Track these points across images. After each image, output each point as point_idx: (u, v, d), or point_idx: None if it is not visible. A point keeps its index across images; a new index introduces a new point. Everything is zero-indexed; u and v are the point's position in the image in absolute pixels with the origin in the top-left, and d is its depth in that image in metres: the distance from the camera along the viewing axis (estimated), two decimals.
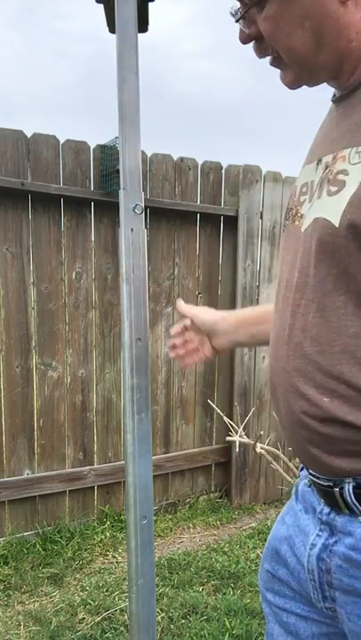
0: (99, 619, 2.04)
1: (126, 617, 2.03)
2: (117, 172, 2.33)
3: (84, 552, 2.52)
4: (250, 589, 2.25)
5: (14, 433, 2.51)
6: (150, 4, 0.77)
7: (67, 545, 2.55)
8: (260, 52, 0.75)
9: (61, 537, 2.59)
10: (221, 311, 1.04)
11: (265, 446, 2.85)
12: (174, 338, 1.06)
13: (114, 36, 0.75)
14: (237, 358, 3.05)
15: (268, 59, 0.76)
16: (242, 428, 2.88)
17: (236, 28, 0.76)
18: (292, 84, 0.75)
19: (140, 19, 0.75)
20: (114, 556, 2.53)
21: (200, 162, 2.87)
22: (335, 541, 0.73)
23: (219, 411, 3.01)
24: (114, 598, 2.17)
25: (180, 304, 1.03)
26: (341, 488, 0.71)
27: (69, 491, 2.68)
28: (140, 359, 0.78)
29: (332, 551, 0.73)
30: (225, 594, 2.21)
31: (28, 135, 2.39)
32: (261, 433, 3.03)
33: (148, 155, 2.70)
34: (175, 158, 2.78)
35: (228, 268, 3.03)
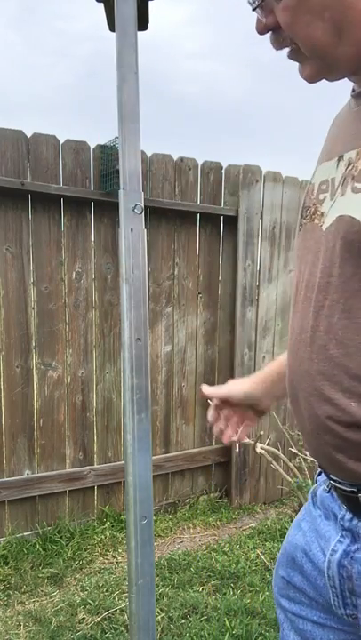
0: (99, 619, 2.04)
1: (126, 617, 2.03)
2: (117, 171, 2.33)
3: (84, 552, 2.52)
4: (250, 589, 2.25)
5: (14, 433, 2.51)
6: (150, 2, 0.77)
7: (67, 545, 2.55)
8: (278, 44, 0.72)
9: (61, 537, 2.59)
10: (246, 378, 1.02)
11: (265, 446, 2.85)
12: (216, 423, 1.03)
13: (114, 35, 0.74)
14: (237, 358, 3.05)
15: (285, 51, 0.73)
16: (242, 427, 2.88)
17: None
18: (311, 77, 0.72)
19: (141, 17, 0.75)
20: (114, 556, 2.53)
21: (200, 162, 2.87)
22: (358, 548, 0.71)
23: None
24: (114, 598, 2.17)
25: (206, 389, 1.01)
26: None
27: (69, 491, 2.68)
28: (140, 359, 0.78)
29: (354, 558, 0.71)
30: (225, 594, 2.21)
31: (28, 135, 2.39)
32: (261, 433, 3.03)
33: (148, 155, 2.70)
34: (175, 158, 2.78)
35: (228, 268, 3.03)
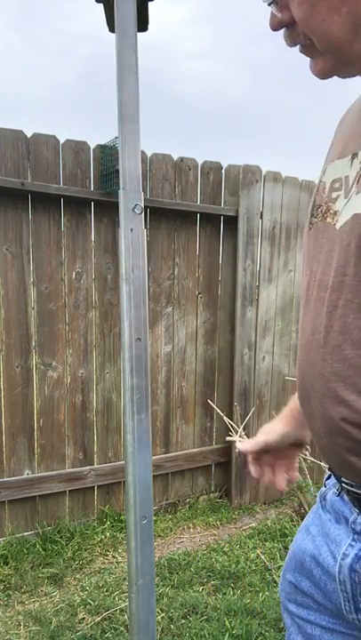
0: (99, 619, 2.04)
1: (126, 617, 2.03)
2: (117, 171, 2.33)
3: (84, 552, 2.52)
4: (250, 589, 2.25)
5: (14, 433, 2.51)
6: (150, 3, 0.77)
7: (67, 545, 2.55)
8: (291, 40, 0.71)
9: (61, 537, 2.59)
10: (275, 420, 1.00)
11: None
12: (263, 475, 1.00)
13: (114, 35, 0.75)
14: (237, 358, 3.05)
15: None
16: (242, 428, 2.88)
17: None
18: (324, 73, 0.70)
19: (140, 18, 0.75)
20: (114, 556, 2.53)
21: (200, 162, 2.87)
22: None
23: (219, 411, 3.01)
24: (114, 598, 2.17)
25: (242, 446, 0.98)
26: None
27: (69, 491, 2.68)
28: (140, 359, 0.78)
29: None
30: (225, 594, 2.21)
31: (28, 135, 2.39)
32: None
33: (148, 155, 2.70)
34: (175, 158, 2.78)
35: (228, 267, 3.03)
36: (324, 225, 0.72)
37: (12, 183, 2.32)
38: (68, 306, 2.58)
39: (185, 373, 2.98)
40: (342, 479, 0.74)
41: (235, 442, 2.77)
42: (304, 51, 0.71)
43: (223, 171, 2.94)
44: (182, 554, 2.54)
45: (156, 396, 2.88)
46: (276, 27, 0.70)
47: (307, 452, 2.95)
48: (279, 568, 2.43)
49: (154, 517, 2.61)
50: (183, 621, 2.03)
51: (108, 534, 2.66)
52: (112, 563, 2.48)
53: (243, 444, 0.98)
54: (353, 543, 0.72)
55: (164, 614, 2.07)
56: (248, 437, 3.07)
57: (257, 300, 3.07)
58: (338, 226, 0.69)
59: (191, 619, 2.04)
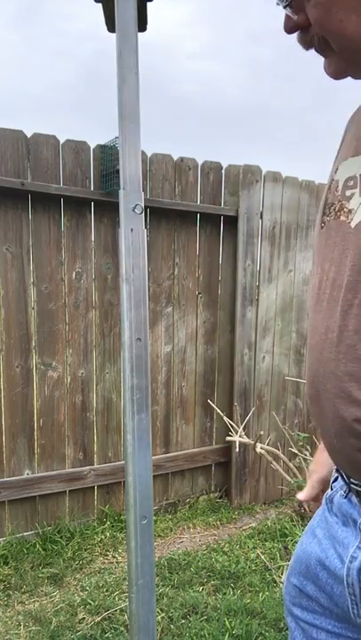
0: (99, 619, 2.04)
1: (126, 617, 2.03)
2: (117, 171, 2.33)
3: (84, 552, 2.52)
4: (250, 589, 2.25)
5: (14, 433, 2.51)
6: (149, 3, 0.77)
7: (67, 545, 2.55)
8: (305, 43, 0.71)
9: (61, 537, 2.59)
10: (321, 451, 0.97)
11: (265, 446, 2.85)
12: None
13: (114, 35, 0.75)
14: (237, 358, 3.05)
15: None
16: (242, 428, 2.88)
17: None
18: (338, 74, 0.70)
19: (139, 18, 0.75)
20: (114, 556, 2.53)
21: (200, 162, 2.87)
22: None
23: (219, 411, 3.01)
24: (114, 598, 2.17)
25: (303, 495, 0.96)
26: None
27: (69, 491, 2.68)
28: (140, 359, 0.78)
29: None
30: (225, 594, 2.21)
31: (28, 135, 2.39)
32: (261, 433, 3.03)
33: (148, 155, 2.70)
34: (175, 158, 2.78)
35: (228, 267, 3.03)
36: (338, 223, 0.71)
37: (11, 183, 2.32)
38: (68, 306, 2.58)
39: (185, 373, 2.98)
40: (351, 480, 0.74)
41: (235, 442, 2.78)
42: (319, 50, 0.70)
43: (223, 171, 2.94)
44: (182, 554, 2.54)
45: (156, 396, 2.89)
46: (291, 29, 0.70)
47: (307, 453, 2.95)
48: (279, 568, 2.43)
49: (154, 517, 2.62)
50: (183, 621, 2.03)
51: (108, 534, 2.66)
52: (112, 563, 2.48)
53: (303, 494, 0.96)
54: None
55: (164, 614, 2.07)
56: (248, 437, 3.07)
57: (257, 300, 3.07)
58: (353, 224, 0.68)
59: (191, 619, 2.04)
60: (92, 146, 2.54)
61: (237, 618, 2.03)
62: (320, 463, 0.95)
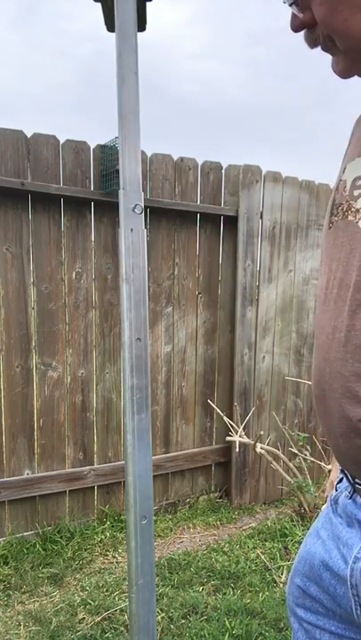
0: (99, 619, 2.04)
1: (126, 617, 2.03)
2: (117, 171, 2.33)
3: (84, 552, 2.52)
4: (250, 589, 2.25)
5: (14, 433, 2.51)
6: (148, 3, 0.77)
7: (67, 545, 2.55)
8: (311, 42, 0.70)
9: (61, 537, 2.59)
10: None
11: (265, 446, 2.85)
12: None
13: (114, 35, 0.75)
14: (237, 358, 3.05)
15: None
16: (242, 428, 2.88)
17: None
18: (345, 72, 0.70)
19: (139, 18, 0.75)
20: (114, 556, 2.53)
21: (200, 162, 2.87)
22: None
23: (219, 411, 3.01)
24: (114, 598, 2.17)
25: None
26: None
27: (69, 491, 2.68)
28: (140, 359, 0.78)
29: None
30: (225, 594, 2.21)
31: (28, 135, 2.39)
32: (261, 433, 3.03)
33: (148, 155, 2.70)
34: (175, 158, 2.78)
35: (228, 267, 3.03)
36: (345, 223, 0.71)
37: (11, 183, 2.32)
38: (68, 306, 2.58)
39: (185, 373, 2.98)
40: (356, 481, 0.73)
41: (235, 442, 2.78)
42: (325, 49, 0.70)
43: (223, 171, 2.94)
44: (182, 554, 2.54)
45: (156, 396, 2.89)
46: (297, 28, 0.70)
47: (307, 453, 2.95)
48: (279, 568, 2.43)
49: (154, 517, 2.62)
50: (183, 621, 2.03)
51: (108, 534, 2.66)
52: (112, 563, 2.48)
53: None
54: None
55: (164, 614, 2.07)
56: (248, 437, 3.07)
57: (257, 300, 3.07)
58: (360, 224, 0.68)
59: (191, 619, 2.04)
60: (92, 146, 2.54)
61: (237, 618, 2.03)
62: None
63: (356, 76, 0.71)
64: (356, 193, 0.71)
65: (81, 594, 2.21)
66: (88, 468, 2.70)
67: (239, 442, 2.76)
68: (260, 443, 2.85)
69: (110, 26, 0.76)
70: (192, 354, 2.99)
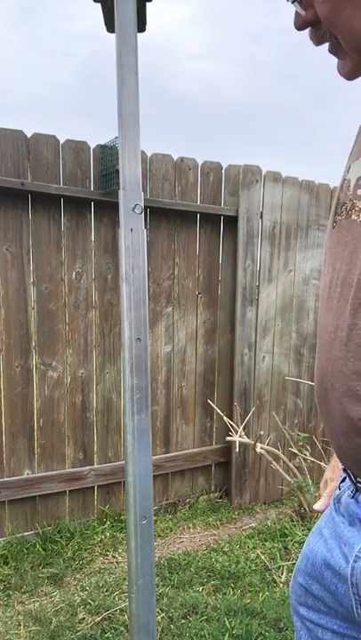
0: (99, 619, 2.04)
1: (126, 617, 2.03)
2: (117, 171, 2.33)
3: (84, 552, 2.52)
4: (250, 589, 2.25)
5: (14, 433, 2.51)
6: (148, 3, 0.77)
7: (67, 545, 2.55)
8: (317, 40, 0.69)
9: (61, 537, 2.59)
10: (336, 460, 0.96)
11: (265, 446, 2.85)
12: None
13: (114, 35, 0.75)
14: (237, 358, 3.05)
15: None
16: (242, 428, 2.88)
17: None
18: (351, 74, 0.69)
19: (138, 18, 0.75)
20: (114, 556, 2.53)
21: (200, 162, 2.87)
22: None
23: (219, 411, 3.01)
24: (114, 598, 2.17)
25: (319, 506, 0.94)
26: None
27: (69, 491, 2.68)
28: (140, 359, 0.78)
29: None
30: (225, 594, 2.21)
31: (28, 135, 2.39)
32: (261, 433, 3.04)
33: (148, 155, 2.70)
34: (175, 158, 2.78)
35: (228, 267, 3.03)
36: (349, 222, 0.71)
37: (11, 183, 2.32)
38: (68, 306, 2.58)
39: (185, 373, 2.98)
40: (358, 480, 0.73)
41: (235, 442, 2.78)
42: (331, 50, 0.70)
43: (223, 171, 2.94)
44: (182, 554, 2.54)
45: (156, 396, 2.89)
46: (301, 26, 0.69)
47: (307, 453, 2.95)
48: (279, 568, 2.43)
49: (154, 517, 2.62)
50: (183, 621, 2.03)
51: (108, 534, 2.66)
52: (112, 563, 2.48)
53: (320, 504, 0.93)
54: None
55: (164, 614, 2.07)
56: (248, 437, 3.06)
57: (257, 299, 3.07)
58: None
59: (191, 619, 2.04)
60: (92, 146, 2.54)
61: (237, 618, 2.03)
62: (340, 471, 0.93)
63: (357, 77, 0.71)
64: (359, 192, 0.71)
65: (81, 594, 2.21)
66: (88, 467, 2.70)
67: (239, 442, 2.76)
68: (260, 443, 2.85)
69: (110, 26, 0.76)
70: (192, 354, 2.99)
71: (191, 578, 2.33)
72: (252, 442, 2.77)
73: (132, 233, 0.76)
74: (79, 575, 2.37)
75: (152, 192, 2.71)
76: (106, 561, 2.50)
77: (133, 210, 0.76)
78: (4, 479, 2.49)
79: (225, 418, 2.94)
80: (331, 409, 0.72)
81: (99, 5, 0.77)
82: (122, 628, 1.98)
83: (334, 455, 0.96)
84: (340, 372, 0.69)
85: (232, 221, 2.97)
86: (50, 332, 2.54)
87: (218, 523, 2.93)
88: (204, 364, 3.04)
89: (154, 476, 2.40)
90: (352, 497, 0.76)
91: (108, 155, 2.52)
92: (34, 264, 2.47)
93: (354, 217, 0.70)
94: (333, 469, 0.96)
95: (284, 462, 2.93)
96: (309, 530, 2.73)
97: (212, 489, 3.19)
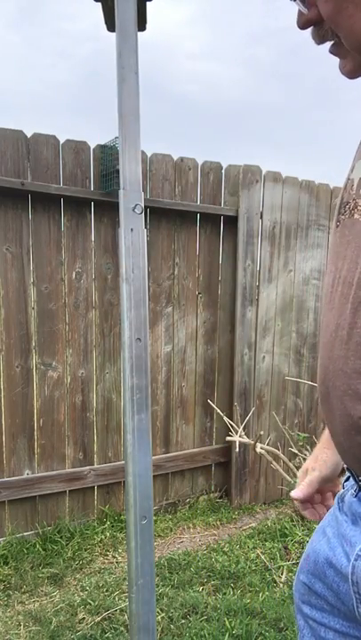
0: (99, 619, 2.04)
1: (126, 617, 2.03)
2: (117, 171, 2.33)
3: (84, 552, 2.52)
4: (250, 589, 2.25)
5: (14, 433, 2.51)
6: (148, 3, 0.77)
7: (67, 545, 2.55)
8: (319, 38, 0.70)
9: (61, 537, 2.59)
10: (323, 448, 0.94)
11: (265, 446, 2.85)
12: (314, 513, 0.95)
13: (114, 35, 0.75)
14: (237, 358, 3.05)
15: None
16: (242, 428, 2.88)
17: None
18: (353, 73, 0.69)
19: (139, 18, 0.75)
20: (114, 556, 2.53)
21: (200, 162, 2.87)
22: None
23: (219, 411, 3.01)
24: (114, 598, 2.17)
25: (297, 493, 0.90)
26: None
27: (69, 491, 2.68)
28: (140, 359, 0.78)
29: None
30: (225, 594, 2.21)
31: (28, 135, 2.39)
32: (261, 433, 3.03)
33: (148, 155, 2.70)
34: (175, 158, 2.78)
35: (228, 267, 3.03)
36: (352, 221, 0.71)
37: (11, 183, 2.32)
38: (68, 306, 2.58)
39: (185, 373, 2.98)
40: (360, 479, 0.74)
41: (235, 442, 2.78)
42: (334, 50, 0.70)
43: (223, 171, 2.94)
44: (182, 554, 2.54)
45: (156, 396, 2.89)
46: (303, 25, 0.69)
47: (307, 453, 2.95)
48: (279, 568, 2.43)
49: (154, 517, 2.62)
50: (183, 621, 2.03)
51: (108, 534, 2.66)
52: (112, 563, 2.48)
53: (298, 491, 0.91)
54: None
55: (164, 614, 2.07)
56: (248, 437, 3.05)
57: (257, 299, 3.07)
58: None
59: (191, 619, 2.04)
60: (92, 146, 2.54)
61: (237, 618, 2.03)
62: (322, 461, 0.93)
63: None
64: None
65: (81, 594, 2.21)
66: (88, 467, 2.70)
67: (239, 442, 2.76)
68: (260, 443, 2.85)
69: (110, 26, 0.76)
70: (192, 354, 2.99)
71: (191, 578, 2.33)
72: (252, 442, 2.77)
73: (132, 233, 0.76)
74: (79, 575, 2.37)
75: (152, 192, 2.71)
76: (106, 561, 2.50)
77: (133, 210, 0.76)
78: (4, 479, 2.49)
79: (225, 418, 2.94)
80: (332, 407, 0.72)
81: (99, 5, 0.77)
82: (122, 628, 1.97)
83: (318, 445, 0.96)
84: (341, 371, 0.69)
85: (232, 221, 2.97)
86: (50, 331, 2.54)
87: (218, 523, 2.93)
88: (204, 363, 3.04)
89: (154, 475, 2.40)
90: (355, 496, 0.76)
91: (108, 155, 2.52)
92: (34, 264, 2.47)
93: (357, 216, 0.70)
94: (316, 459, 0.94)
95: (284, 462, 2.93)
96: (309, 530, 2.73)
97: (212, 489, 3.19)
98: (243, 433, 2.86)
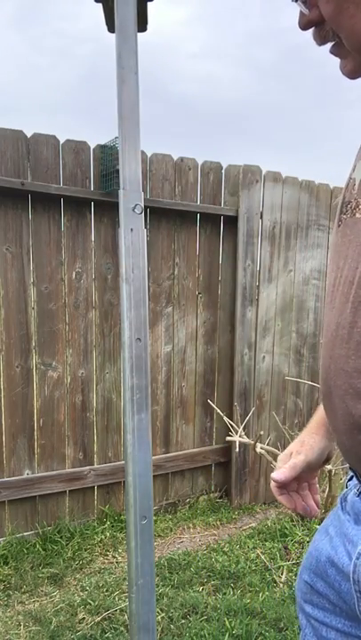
0: (99, 619, 2.04)
1: (126, 617, 2.03)
2: (117, 171, 2.33)
3: (84, 552, 2.52)
4: (250, 589, 2.25)
5: (14, 433, 2.51)
6: (149, 3, 0.77)
7: (67, 545, 2.55)
8: (321, 39, 0.70)
9: (61, 537, 2.59)
10: (310, 433, 0.92)
11: (265, 446, 2.85)
12: (294, 504, 0.93)
13: (114, 35, 0.75)
14: (237, 358, 3.05)
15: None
16: (242, 428, 2.88)
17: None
18: (354, 73, 0.70)
19: (139, 18, 0.75)
20: (114, 556, 2.53)
21: (200, 162, 2.87)
22: None
23: (219, 411, 3.01)
24: (114, 598, 2.17)
25: (279, 475, 0.87)
26: None
27: (69, 491, 2.68)
28: (140, 359, 0.78)
29: None
30: (225, 594, 2.21)
31: (28, 135, 2.39)
32: (261, 433, 3.03)
33: (148, 155, 2.70)
34: (175, 158, 2.78)
35: (228, 267, 3.03)
36: (353, 221, 0.71)
37: (11, 183, 2.32)
38: (68, 306, 2.58)
39: (185, 373, 2.98)
40: None
41: (235, 442, 2.78)
42: (334, 50, 0.70)
43: (223, 171, 2.94)
44: (182, 554, 2.54)
45: (156, 396, 2.89)
46: (305, 25, 0.69)
47: None
48: (279, 568, 2.43)
49: (154, 517, 2.62)
50: (183, 621, 2.03)
51: (108, 534, 2.66)
52: (112, 563, 2.48)
53: (280, 473, 0.87)
54: None
55: (164, 614, 2.07)
56: (248, 437, 3.06)
57: (257, 299, 3.07)
58: None
59: (191, 619, 2.04)
60: (92, 146, 2.54)
61: (237, 618, 2.03)
62: (309, 446, 0.91)
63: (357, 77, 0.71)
64: None
65: (81, 594, 2.21)
66: (88, 467, 2.70)
67: (239, 442, 2.76)
68: (260, 443, 2.85)
69: (111, 26, 0.76)
70: (192, 354, 2.99)
71: (191, 578, 2.33)
72: (252, 442, 2.77)
73: (132, 233, 0.76)
74: (79, 575, 2.37)
75: (152, 192, 2.71)
76: (106, 561, 2.50)
77: (133, 210, 0.76)
78: (4, 479, 2.49)
79: (225, 418, 2.94)
80: (334, 407, 0.72)
81: (100, 5, 0.77)
82: (122, 628, 1.98)
83: (305, 430, 0.95)
84: (342, 370, 0.69)
85: (232, 221, 2.97)
86: (50, 331, 2.54)
87: (218, 523, 2.93)
88: (204, 363, 3.04)
89: (154, 475, 2.40)
90: (358, 495, 0.76)
91: (108, 155, 2.52)
92: (34, 264, 2.47)
93: (358, 215, 0.70)
94: (303, 443, 0.92)
95: None
96: (310, 530, 2.73)
97: (212, 489, 3.19)
98: (243, 433, 2.86)
